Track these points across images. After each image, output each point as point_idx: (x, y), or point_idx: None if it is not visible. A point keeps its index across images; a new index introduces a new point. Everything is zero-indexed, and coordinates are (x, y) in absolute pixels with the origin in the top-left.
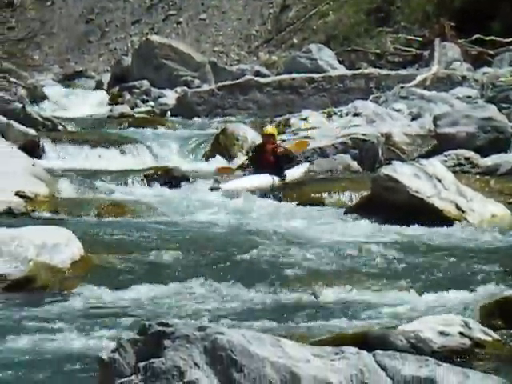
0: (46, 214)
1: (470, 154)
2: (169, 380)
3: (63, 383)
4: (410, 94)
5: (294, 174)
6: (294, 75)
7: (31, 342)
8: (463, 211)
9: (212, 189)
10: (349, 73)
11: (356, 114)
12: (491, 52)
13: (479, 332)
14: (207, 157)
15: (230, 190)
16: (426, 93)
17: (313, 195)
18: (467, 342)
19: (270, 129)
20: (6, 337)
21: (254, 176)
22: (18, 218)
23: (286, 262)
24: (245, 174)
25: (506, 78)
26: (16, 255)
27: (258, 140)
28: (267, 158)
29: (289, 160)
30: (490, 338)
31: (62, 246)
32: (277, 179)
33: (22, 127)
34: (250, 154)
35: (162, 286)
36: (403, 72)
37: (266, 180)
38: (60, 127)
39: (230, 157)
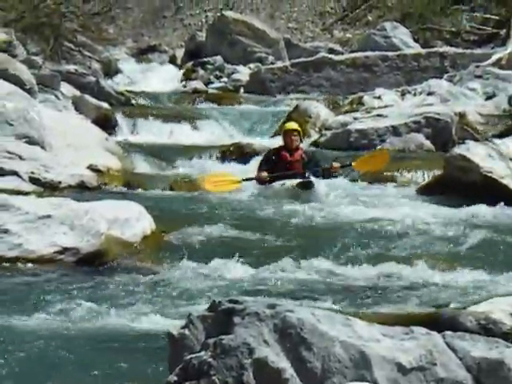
0: (118, 189)
1: None
2: (238, 357)
3: (133, 359)
4: (484, 74)
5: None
6: (368, 53)
7: (101, 316)
8: None
9: None
10: (423, 51)
11: (430, 93)
12: None
13: None
14: (279, 134)
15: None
16: (501, 72)
17: (385, 173)
18: None
19: (294, 124)
20: (76, 310)
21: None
22: (90, 191)
23: (354, 241)
24: None
25: None
26: (88, 229)
27: (331, 118)
28: (294, 167)
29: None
30: None
31: (133, 221)
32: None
33: (95, 101)
34: (262, 160)
35: (234, 262)
36: (478, 51)
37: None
38: (133, 102)
39: (303, 134)
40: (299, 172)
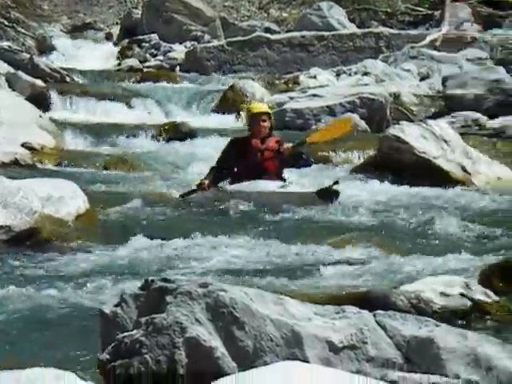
0: (52, 166)
1: (478, 115)
2: (170, 335)
3: (64, 337)
4: (419, 55)
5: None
6: (304, 33)
7: (32, 295)
8: (469, 173)
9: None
10: (359, 31)
11: (365, 73)
12: (502, 13)
13: (480, 294)
14: (215, 112)
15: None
16: (435, 53)
17: (320, 153)
18: (467, 303)
19: (262, 105)
20: (7, 288)
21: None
22: (23, 169)
23: (285, 220)
24: None
25: None
26: (21, 207)
27: (267, 97)
28: (265, 160)
29: (302, 161)
30: (490, 300)
31: (67, 199)
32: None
33: (29, 78)
34: (222, 156)
35: (168, 241)
36: (413, 32)
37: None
38: (68, 79)
39: (238, 113)
40: (270, 170)
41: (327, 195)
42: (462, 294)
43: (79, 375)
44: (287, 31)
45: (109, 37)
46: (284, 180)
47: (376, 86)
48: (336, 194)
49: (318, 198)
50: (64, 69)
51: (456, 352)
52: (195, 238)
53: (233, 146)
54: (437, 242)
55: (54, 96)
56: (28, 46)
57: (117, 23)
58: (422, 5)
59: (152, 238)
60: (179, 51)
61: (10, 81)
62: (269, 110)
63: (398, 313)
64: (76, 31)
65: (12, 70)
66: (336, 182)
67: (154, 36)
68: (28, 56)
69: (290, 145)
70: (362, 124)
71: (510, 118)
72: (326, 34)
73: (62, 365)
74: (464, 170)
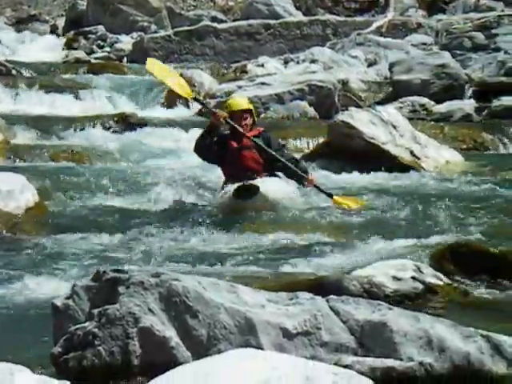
0: (0, 161)
1: (425, 100)
2: (123, 326)
3: (16, 331)
4: (366, 41)
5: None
6: (251, 21)
7: None
8: (418, 158)
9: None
10: (306, 19)
11: (313, 61)
12: None
13: (431, 277)
14: (163, 103)
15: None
16: (381, 39)
17: None
18: (419, 286)
19: (242, 100)
20: None
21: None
22: None
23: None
24: None
25: (459, 25)
26: None
27: (215, 86)
28: (247, 158)
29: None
30: (441, 283)
31: (16, 193)
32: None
33: None
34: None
35: (117, 232)
36: (359, 18)
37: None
38: (14, 72)
39: (187, 104)
40: (254, 168)
41: (245, 192)
42: (414, 278)
43: (32, 369)
44: (234, 20)
45: (54, 29)
46: (274, 175)
47: (324, 73)
48: (254, 190)
49: (235, 197)
50: (9, 62)
51: (409, 335)
52: (147, 228)
53: (216, 140)
54: (387, 226)
55: (0, 89)
56: None
57: (62, 15)
58: None
59: (102, 230)
60: (126, 42)
61: None
62: (250, 106)
63: (351, 297)
64: (20, 23)
65: None
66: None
67: (101, 27)
68: None
69: (314, 181)
70: (311, 111)
71: (456, 102)
72: (272, 22)
73: (15, 359)
74: (413, 154)
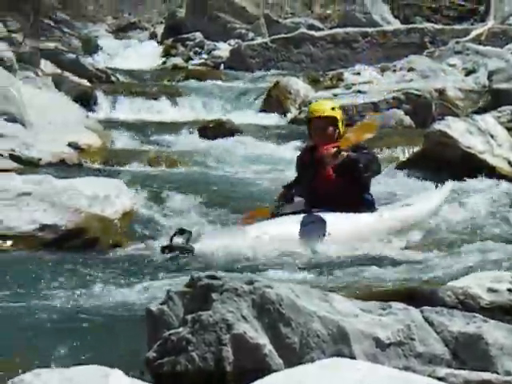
0: (98, 166)
1: None
2: (216, 332)
3: (112, 336)
4: (464, 49)
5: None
6: (348, 29)
7: (79, 293)
8: None
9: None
10: (403, 27)
11: (410, 69)
12: None
13: None
14: (260, 110)
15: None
16: (480, 48)
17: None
18: None
19: (321, 104)
20: (54, 288)
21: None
22: (70, 168)
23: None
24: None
25: None
26: (68, 206)
27: (311, 94)
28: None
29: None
30: None
31: (113, 198)
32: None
33: (75, 78)
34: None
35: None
36: (458, 27)
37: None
38: (113, 79)
39: (282, 111)
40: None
41: (174, 250)
42: (510, 290)
43: (126, 373)
44: (331, 28)
45: (153, 36)
46: (369, 208)
47: (421, 82)
48: (187, 250)
49: (163, 253)
50: (109, 68)
51: (505, 348)
52: None
53: (298, 157)
54: (484, 237)
55: (100, 96)
56: (74, 46)
57: (161, 22)
58: None
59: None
60: (223, 49)
61: (56, 81)
62: (332, 113)
63: (445, 309)
64: (121, 31)
65: (58, 71)
66: (184, 231)
67: (198, 34)
68: (74, 56)
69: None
70: (407, 120)
71: None
72: (369, 30)
73: (109, 363)
74: (511, 164)
